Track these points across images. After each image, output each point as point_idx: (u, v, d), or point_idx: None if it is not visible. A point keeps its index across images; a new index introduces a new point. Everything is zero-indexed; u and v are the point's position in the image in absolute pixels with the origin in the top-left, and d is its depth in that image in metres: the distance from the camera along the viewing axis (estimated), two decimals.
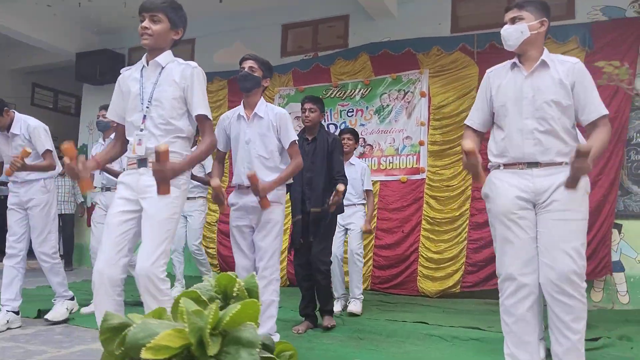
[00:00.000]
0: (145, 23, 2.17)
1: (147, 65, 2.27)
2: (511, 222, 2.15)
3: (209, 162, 4.75)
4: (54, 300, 3.65)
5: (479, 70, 5.41)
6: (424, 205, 5.45)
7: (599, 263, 4.59)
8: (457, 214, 5.27)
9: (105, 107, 4.16)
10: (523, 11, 2.27)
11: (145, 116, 2.21)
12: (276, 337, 2.81)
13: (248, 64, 3.00)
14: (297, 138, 3.11)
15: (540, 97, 2.17)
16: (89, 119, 7.99)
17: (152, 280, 2.02)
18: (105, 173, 4.05)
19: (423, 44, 5.73)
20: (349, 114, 6.06)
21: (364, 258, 5.29)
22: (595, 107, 2.16)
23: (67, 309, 3.66)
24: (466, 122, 2.44)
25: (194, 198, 4.90)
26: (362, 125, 5.95)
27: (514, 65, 2.30)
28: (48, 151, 3.52)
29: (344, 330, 3.46)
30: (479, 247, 5.14)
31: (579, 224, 2.11)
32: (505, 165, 2.23)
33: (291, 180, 3.09)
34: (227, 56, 7.06)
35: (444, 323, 3.68)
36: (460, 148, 5.35)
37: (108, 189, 4.15)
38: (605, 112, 2.17)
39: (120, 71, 2.37)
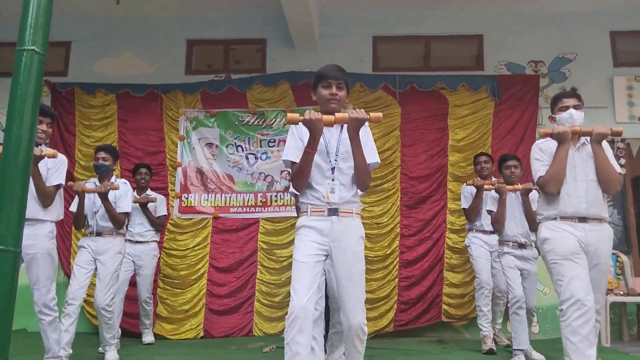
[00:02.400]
0: (334, 90, 2.42)
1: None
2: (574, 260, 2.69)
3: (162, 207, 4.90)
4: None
5: (401, 110, 5.58)
6: None
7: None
8: (388, 252, 5.27)
9: (105, 149, 3.92)
10: (580, 102, 2.97)
11: (334, 168, 2.38)
12: None
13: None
14: None
15: (587, 166, 2.84)
16: None
17: (362, 329, 2.24)
18: (97, 218, 3.77)
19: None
20: (270, 144, 5.66)
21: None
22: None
23: None
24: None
25: (147, 242, 4.64)
26: None
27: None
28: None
29: None
30: (410, 285, 5.21)
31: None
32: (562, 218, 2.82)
33: None
34: (112, 66, 6.07)
35: None
36: (387, 186, 5.45)
37: (99, 234, 3.77)
38: None
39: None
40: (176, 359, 3.77)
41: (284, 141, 5.56)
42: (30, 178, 2.93)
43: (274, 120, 5.70)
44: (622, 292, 4.78)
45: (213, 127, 5.72)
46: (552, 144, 2.91)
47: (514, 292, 3.81)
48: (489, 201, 4.20)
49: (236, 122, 5.71)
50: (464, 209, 4.66)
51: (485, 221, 4.35)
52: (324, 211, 2.33)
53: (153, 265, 4.71)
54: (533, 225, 3.83)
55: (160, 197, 4.94)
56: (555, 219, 2.81)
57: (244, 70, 6.00)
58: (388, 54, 5.99)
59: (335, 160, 2.38)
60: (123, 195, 3.83)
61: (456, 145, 5.47)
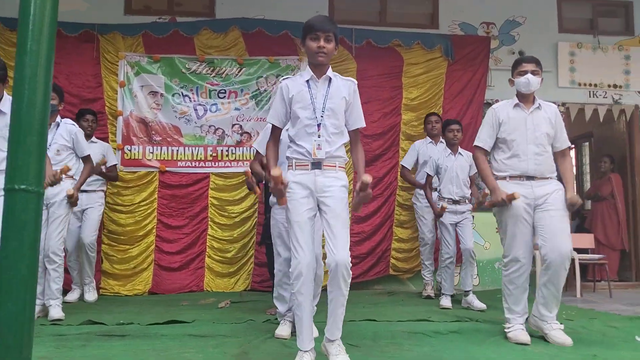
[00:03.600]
0: (322, 42, 2.36)
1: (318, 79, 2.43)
2: (520, 221, 2.93)
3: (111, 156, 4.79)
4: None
5: (357, 66, 5.49)
6: None
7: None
8: None
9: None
10: (538, 67, 3.08)
11: (319, 124, 2.39)
12: None
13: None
14: None
15: (538, 130, 3.01)
16: None
17: (346, 268, 2.26)
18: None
19: (301, 29, 5.45)
20: (221, 95, 5.37)
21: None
22: (565, 140, 3.11)
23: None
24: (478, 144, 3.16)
25: (94, 191, 4.55)
26: (237, 109, 5.36)
27: (516, 104, 3.09)
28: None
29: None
30: (361, 240, 5.33)
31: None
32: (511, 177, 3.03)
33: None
34: None
35: (389, 318, 3.62)
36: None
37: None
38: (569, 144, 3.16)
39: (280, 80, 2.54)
40: (125, 316, 3.61)
41: (235, 92, 5.36)
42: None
43: (224, 69, 5.40)
44: None
45: (157, 74, 5.32)
46: (505, 111, 3.08)
47: (448, 248, 4.30)
48: (428, 166, 4.52)
49: (183, 70, 5.34)
50: (402, 165, 5.11)
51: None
52: (307, 165, 2.38)
53: (99, 212, 4.58)
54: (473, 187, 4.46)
55: (105, 146, 4.75)
56: (505, 179, 3.01)
57: (190, 13, 5.56)
58: (344, 7, 5.80)
59: (322, 116, 2.38)
60: (79, 139, 3.77)
61: (409, 105, 5.52)
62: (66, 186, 3.59)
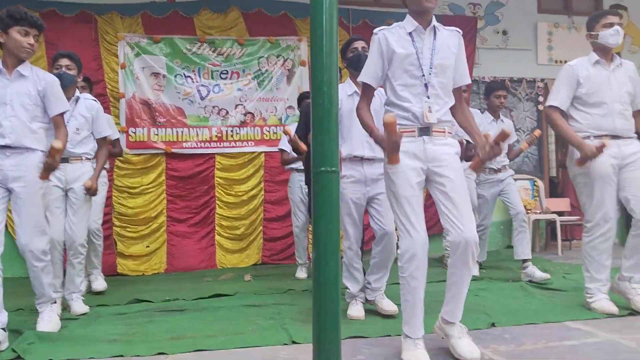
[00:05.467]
0: None
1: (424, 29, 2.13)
2: (608, 182, 2.78)
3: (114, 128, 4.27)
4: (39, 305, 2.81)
5: None
6: None
7: None
8: None
9: (68, 56, 3.35)
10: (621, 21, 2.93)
11: (427, 84, 2.10)
12: None
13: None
14: None
15: (622, 87, 2.86)
16: None
17: (476, 245, 2.03)
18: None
19: (300, 10, 5.58)
20: (223, 76, 5.44)
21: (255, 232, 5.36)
22: None
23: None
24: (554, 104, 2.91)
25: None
26: (240, 90, 5.45)
27: (597, 61, 2.89)
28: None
29: None
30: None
31: None
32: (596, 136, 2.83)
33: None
34: None
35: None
36: None
37: (66, 160, 3.16)
38: None
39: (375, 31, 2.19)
40: (162, 294, 3.75)
41: (237, 73, 5.44)
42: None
43: (225, 50, 5.45)
44: (538, 211, 5.70)
45: (158, 55, 5.30)
46: (584, 69, 2.88)
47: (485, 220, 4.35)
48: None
49: (184, 50, 5.35)
50: None
51: None
52: (414, 131, 2.09)
53: (103, 194, 4.03)
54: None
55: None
56: (588, 138, 2.81)
57: None
58: None
59: (430, 74, 2.08)
60: (100, 117, 3.38)
61: None
62: (86, 170, 3.26)
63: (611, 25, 2.83)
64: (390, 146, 1.94)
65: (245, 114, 5.45)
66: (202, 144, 5.35)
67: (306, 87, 5.55)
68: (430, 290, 2.34)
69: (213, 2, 5.45)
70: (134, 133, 5.19)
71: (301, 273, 4.44)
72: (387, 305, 2.85)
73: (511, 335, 2.41)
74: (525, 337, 2.34)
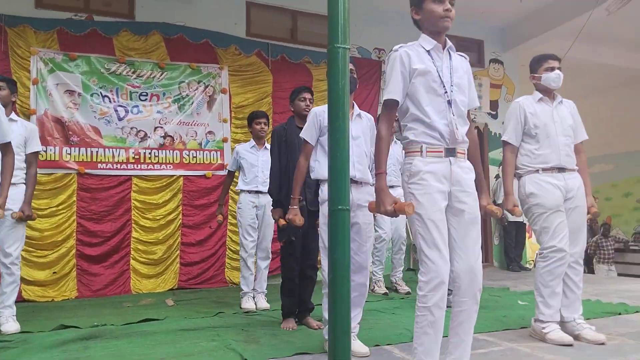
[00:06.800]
0: (448, 4, 2.06)
1: (442, 49, 2.11)
2: (560, 210, 2.92)
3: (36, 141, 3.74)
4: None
5: (273, 79, 6.01)
6: None
7: None
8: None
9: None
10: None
11: (450, 101, 2.05)
12: None
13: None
14: None
15: (565, 122, 3.05)
16: None
17: (481, 277, 2.01)
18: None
19: (221, 39, 5.79)
20: (142, 98, 5.41)
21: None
22: (583, 133, 3.17)
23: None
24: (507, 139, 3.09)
25: (15, 184, 3.53)
26: (160, 113, 5.46)
27: (540, 99, 3.09)
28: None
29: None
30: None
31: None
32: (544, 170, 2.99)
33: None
34: None
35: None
36: None
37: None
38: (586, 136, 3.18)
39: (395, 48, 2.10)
40: (84, 319, 3.65)
41: (157, 96, 5.49)
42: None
43: (146, 72, 5.44)
44: None
45: (74, 73, 5.14)
46: (530, 105, 3.05)
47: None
48: None
49: (102, 70, 5.25)
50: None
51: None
52: (441, 151, 2.01)
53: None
54: None
55: (30, 127, 3.62)
56: (537, 171, 2.97)
57: (108, 13, 5.46)
58: (260, 21, 6.23)
59: (451, 91, 2.05)
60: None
61: None
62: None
63: (552, 69, 3.03)
64: (388, 213, 1.96)
65: (164, 137, 5.46)
66: (119, 165, 5.25)
67: (227, 114, 5.74)
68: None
69: (134, 24, 5.45)
70: (45, 152, 4.93)
71: (248, 303, 4.03)
72: (358, 347, 2.60)
73: None
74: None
